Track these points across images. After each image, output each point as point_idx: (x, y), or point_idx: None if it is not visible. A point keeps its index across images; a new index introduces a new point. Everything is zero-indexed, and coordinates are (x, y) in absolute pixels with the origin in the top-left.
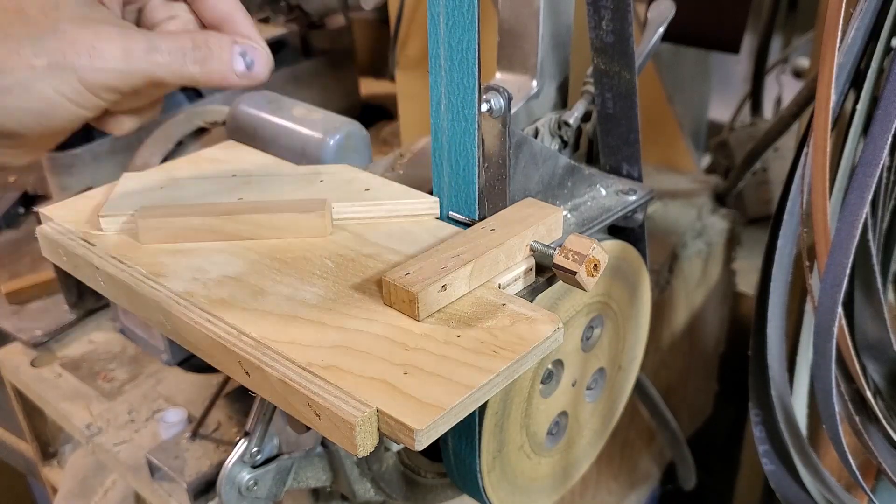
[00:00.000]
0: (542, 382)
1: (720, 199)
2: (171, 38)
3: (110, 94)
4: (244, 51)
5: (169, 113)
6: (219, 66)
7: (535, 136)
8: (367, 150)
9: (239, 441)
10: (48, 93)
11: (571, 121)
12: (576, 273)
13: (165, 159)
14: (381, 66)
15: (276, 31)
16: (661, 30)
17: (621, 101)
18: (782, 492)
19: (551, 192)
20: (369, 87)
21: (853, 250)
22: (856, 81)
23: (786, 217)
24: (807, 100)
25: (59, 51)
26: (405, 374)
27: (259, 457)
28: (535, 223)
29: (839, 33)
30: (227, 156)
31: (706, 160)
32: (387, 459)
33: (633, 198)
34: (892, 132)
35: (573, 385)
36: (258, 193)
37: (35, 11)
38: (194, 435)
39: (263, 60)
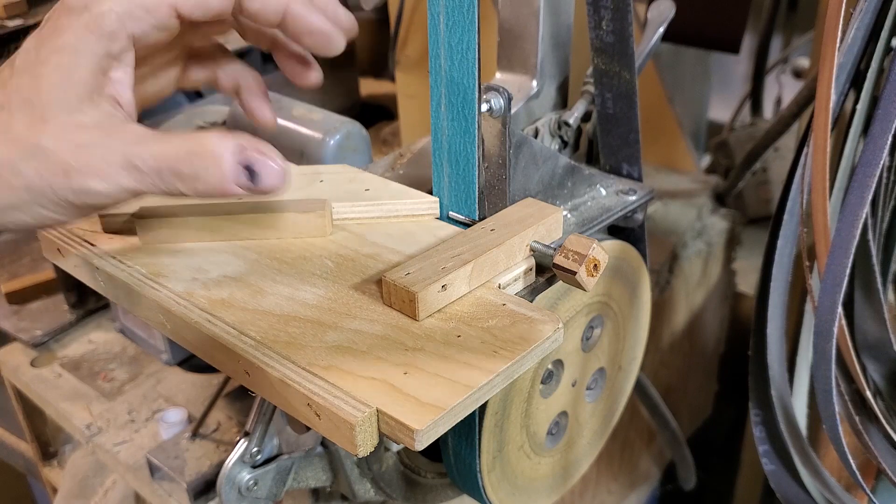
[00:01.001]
0: (542, 382)
1: (720, 199)
2: (156, 153)
3: (93, 209)
4: (248, 162)
5: (169, 113)
6: (212, 183)
7: (535, 136)
8: (367, 150)
9: (239, 441)
10: (34, 211)
11: (571, 121)
12: (576, 273)
13: None
14: (381, 66)
15: None
16: (661, 30)
17: (621, 101)
18: (782, 492)
19: (551, 192)
20: (369, 87)
21: (853, 250)
22: (856, 81)
23: (786, 217)
24: (807, 100)
25: (35, 172)
26: (405, 374)
27: (259, 457)
28: (535, 223)
29: (839, 33)
30: None
31: (706, 160)
32: (387, 459)
33: (633, 198)
34: (892, 132)
35: (573, 385)
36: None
37: (22, 126)
38: (194, 435)
39: (272, 173)
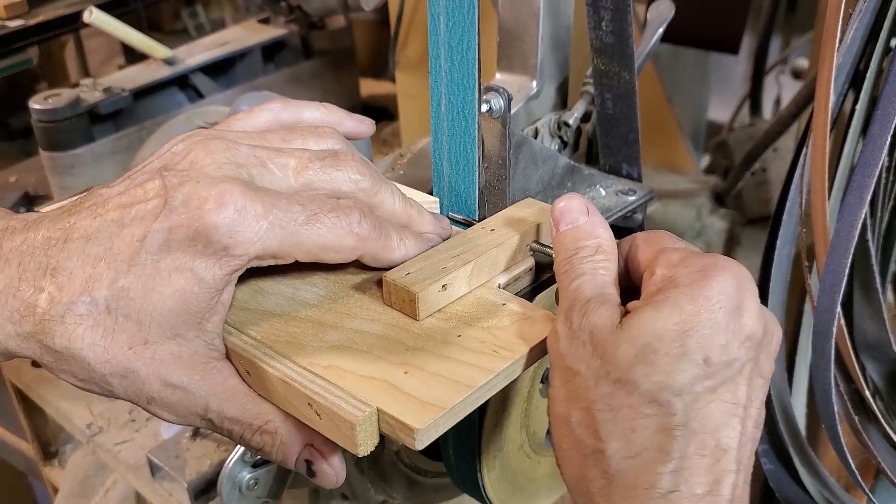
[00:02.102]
0: (541, 382)
1: (719, 199)
2: (232, 417)
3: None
4: (311, 461)
5: (169, 113)
6: (275, 460)
7: (535, 136)
8: (367, 151)
9: None
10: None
11: (571, 121)
12: None
13: None
14: (381, 67)
15: (277, 31)
16: (661, 30)
17: (621, 102)
18: (782, 491)
19: (551, 192)
20: (369, 87)
21: (852, 250)
22: (855, 82)
23: (785, 217)
24: (806, 100)
25: (122, 390)
26: (405, 373)
27: (259, 456)
28: (535, 223)
29: (838, 34)
30: None
31: (705, 160)
32: (387, 459)
33: (633, 198)
34: (891, 132)
35: None
36: None
37: (123, 341)
38: (195, 434)
39: (328, 475)
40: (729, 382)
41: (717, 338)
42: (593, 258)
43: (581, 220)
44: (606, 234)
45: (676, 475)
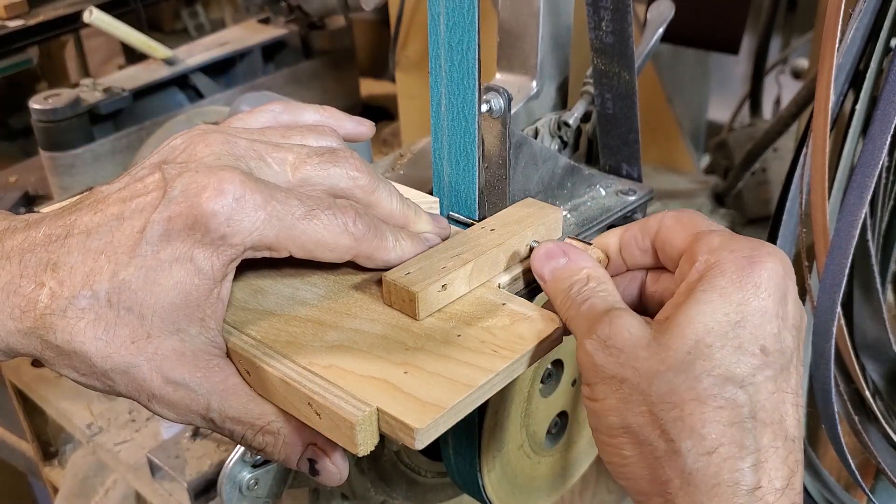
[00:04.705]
0: (541, 382)
1: (719, 199)
2: (234, 417)
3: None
4: (314, 460)
5: (169, 113)
6: (276, 459)
7: (535, 136)
8: (367, 151)
9: None
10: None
11: (571, 121)
12: None
13: None
14: (381, 67)
15: (277, 31)
16: (661, 30)
17: (621, 102)
18: None
19: (551, 192)
20: (369, 87)
21: (852, 250)
22: (855, 82)
23: (785, 217)
24: (806, 100)
25: (124, 386)
26: (405, 373)
27: (259, 456)
28: (535, 223)
29: (838, 34)
30: None
31: (705, 160)
32: (387, 459)
33: (633, 198)
34: (891, 132)
35: (573, 385)
36: None
37: (125, 334)
38: (195, 434)
39: (331, 474)
40: (784, 371)
41: (768, 326)
42: (588, 286)
43: (562, 262)
44: (591, 263)
45: (757, 469)
